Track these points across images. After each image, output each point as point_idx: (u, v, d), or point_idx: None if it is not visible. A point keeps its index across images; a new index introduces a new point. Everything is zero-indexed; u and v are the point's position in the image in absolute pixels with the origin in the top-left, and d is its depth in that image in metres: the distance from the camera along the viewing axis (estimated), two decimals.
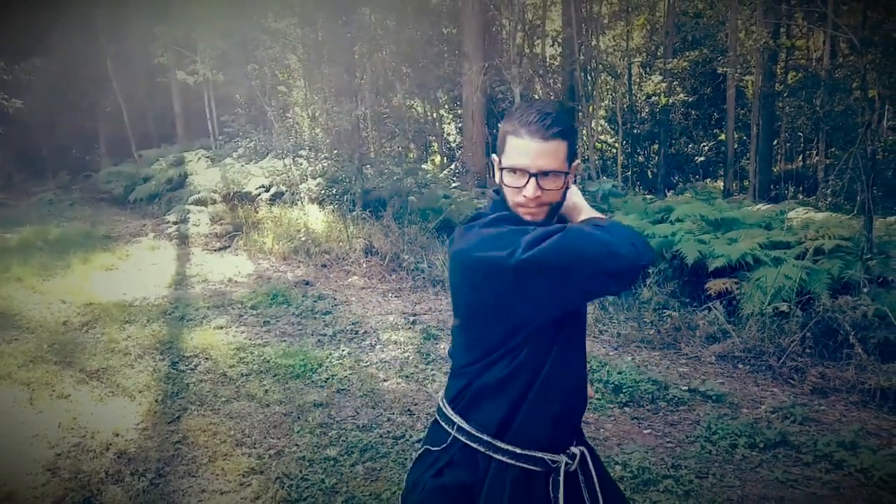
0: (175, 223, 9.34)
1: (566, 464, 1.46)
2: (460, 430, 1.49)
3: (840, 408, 3.75)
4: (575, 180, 1.51)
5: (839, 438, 3.25)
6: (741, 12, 12.47)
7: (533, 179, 1.34)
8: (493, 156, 1.47)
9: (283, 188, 9.66)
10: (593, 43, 12.32)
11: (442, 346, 4.73)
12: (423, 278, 6.74)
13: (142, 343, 4.70)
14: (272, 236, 8.21)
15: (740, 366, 4.36)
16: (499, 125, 1.46)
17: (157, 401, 3.65)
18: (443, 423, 1.55)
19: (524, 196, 1.36)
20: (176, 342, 4.70)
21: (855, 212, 6.41)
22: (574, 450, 1.50)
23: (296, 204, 9.17)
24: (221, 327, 5.08)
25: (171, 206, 10.22)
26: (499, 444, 1.45)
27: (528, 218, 1.40)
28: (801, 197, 12.56)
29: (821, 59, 13.57)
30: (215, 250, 8.31)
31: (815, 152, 14.83)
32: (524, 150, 1.35)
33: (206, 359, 4.35)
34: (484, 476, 1.46)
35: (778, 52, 13.43)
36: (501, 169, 1.41)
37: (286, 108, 13.79)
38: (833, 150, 12.66)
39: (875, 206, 5.60)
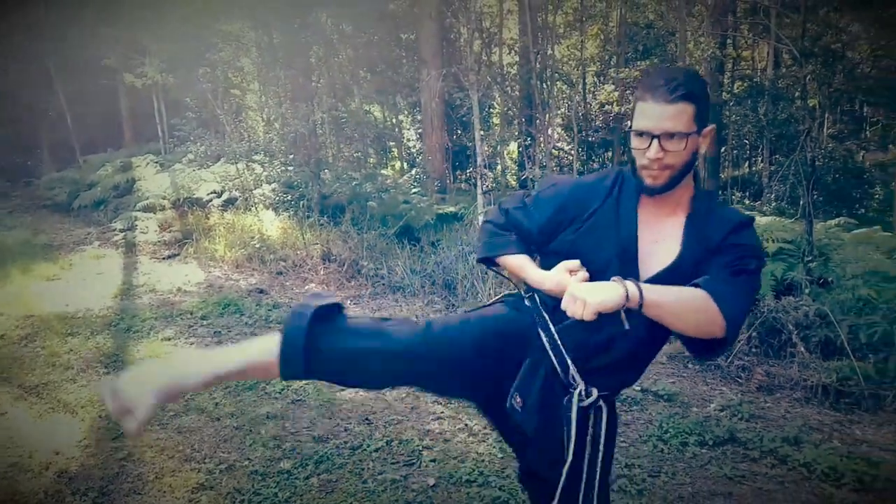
0: (122, 231, 9.06)
1: (580, 395, 1.55)
2: (532, 298, 1.65)
3: (784, 404, 3.87)
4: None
5: (784, 434, 3.35)
6: (690, 24, 12.82)
7: (655, 141, 1.38)
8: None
9: (237, 194, 9.49)
10: (549, 52, 12.49)
11: None
12: (383, 285, 6.70)
13: (85, 356, 4.52)
14: (224, 243, 8.04)
15: (690, 365, 4.46)
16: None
17: (100, 416, 3.52)
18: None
19: (647, 158, 1.41)
20: (121, 355, 4.54)
21: (797, 216, 6.64)
22: (594, 391, 1.57)
23: (249, 210, 9.01)
24: (169, 339, 4.93)
25: (118, 213, 9.90)
26: (550, 325, 1.58)
27: (648, 181, 1.45)
28: (747, 202, 12.97)
29: (765, 69, 14.07)
30: (164, 258, 8.09)
31: (760, 159, 15.35)
32: (648, 113, 1.39)
33: None
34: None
35: (724, 62, 13.86)
36: (628, 132, 1.47)
37: (239, 111, 13.55)
38: (777, 156, 13.13)
39: (816, 211, 5.84)
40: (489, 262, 1.74)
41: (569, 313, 1.34)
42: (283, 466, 2.99)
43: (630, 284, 1.33)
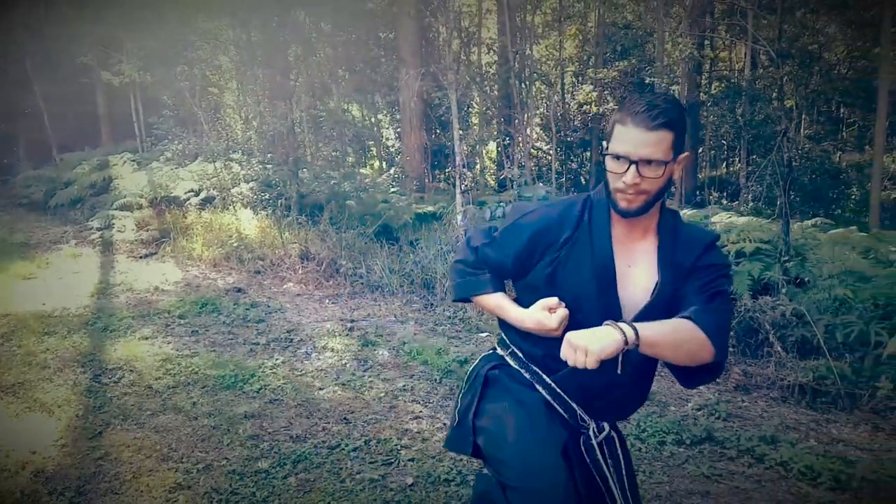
0: (98, 229, 8.92)
1: (593, 431, 1.60)
2: (513, 355, 1.67)
3: (762, 404, 3.92)
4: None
5: (761, 433, 3.39)
6: (668, 24, 12.95)
7: (633, 167, 1.38)
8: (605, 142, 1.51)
9: (214, 192, 9.40)
10: (527, 52, 12.54)
11: (380, 353, 4.69)
12: (362, 284, 6.67)
13: (61, 356, 4.45)
14: (202, 242, 7.96)
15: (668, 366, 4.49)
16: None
17: (77, 416, 3.47)
18: (498, 348, 1.73)
19: (623, 182, 1.41)
20: (98, 354, 4.47)
21: (774, 216, 6.72)
22: (605, 425, 1.63)
23: (227, 209, 8.93)
24: (147, 338, 4.86)
25: (95, 212, 9.74)
26: (545, 376, 1.60)
27: (623, 205, 1.46)
28: (724, 202, 13.13)
29: (742, 70, 14.25)
30: (141, 257, 7.98)
31: (737, 159, 15.55)
32: (628, 138, 1.39)
33: (131, 371, 4.16)
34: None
35: (702, 63, 14.01)
36: (604, 155, 1.46)
37: (217, 109, 13.42)
38: (754, 157, 13.30)
39: (792, 211, 5.92)
40: (465, 300, 1.73)
41: (570, 363, 1.33)
42: (261, 466, 2.97)
43: (625, 327, 1.34)
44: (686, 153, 1.48)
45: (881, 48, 10.73)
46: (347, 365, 4.43)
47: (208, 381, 4.02)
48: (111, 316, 5.39)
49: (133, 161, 11.25)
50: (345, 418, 3.55)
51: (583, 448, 1.61)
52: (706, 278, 1.50)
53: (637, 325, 1.35)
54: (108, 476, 2.85)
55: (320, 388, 4.00)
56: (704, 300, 1.47)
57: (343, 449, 3.17)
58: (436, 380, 4.14)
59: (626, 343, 1.32)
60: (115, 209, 9.24)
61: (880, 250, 5.60)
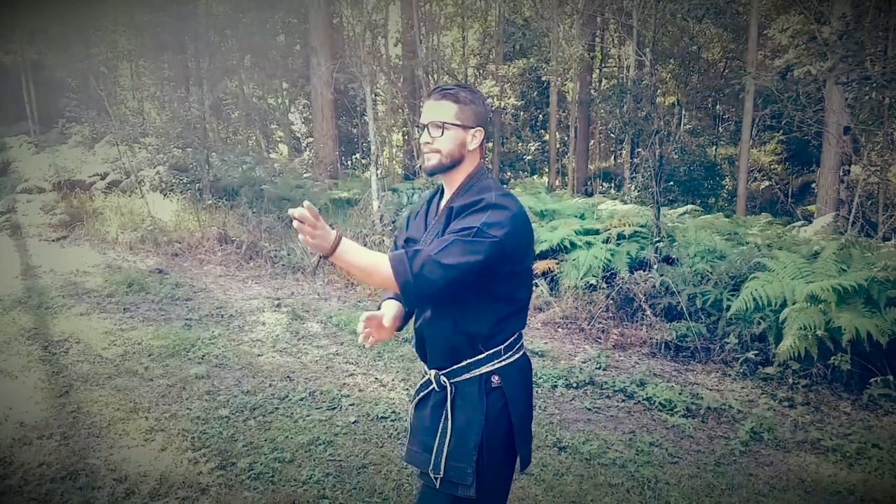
0: (3, 213, 8.70)
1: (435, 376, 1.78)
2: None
3: (634, 357, 4.76)
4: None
5: (632, 378, 4.20)
6: (563, 22, 13.89)
7: (425, 129, 1.75)
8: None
9: (122, 176, 9.36)
10: (433, 43, 13.06)
11: (309, 325, 5.16)
12: (283, 265, 7.04)
13: (4, 330, 4.62)
14: (116, 225, 8.01)
15: (560, 329, 5.29)
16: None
17: (40, 379, 3.75)
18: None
19: (421, 143, 1.79)
20: (41, 328, 4.67)
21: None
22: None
23: (135, 192, 8.95)
24: (83, 314, 5.08)
25: None
26: None
27: (423, 163, 1.85)
28: (612, 192, 14.33)
29: (629, 68, 15.50)
30: (53, 240, 7.93)
31: (623, 152, 16.88)
32: (423, 110, 1.79)
33: (77, 342, 4.42)
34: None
35: (593, 61, 15.08)
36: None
37: (117, 93, 13.06)
38: (639, 150, 14.54)
39: (670, 200, 6.85)
40: None
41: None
42: (222, 413, 3.42)
43: (339, 239, 1.48)
44: (480, 128, 1.76)
45: (748, 50, 12.03)
46: (281, 335, 4.88)
47: (153, 350, 4.36)
48: (41, 295, 5.51)
49: (30, 143, 10.87)
50: (288, 377, 4.03)
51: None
52: (455, 227, 1.64)
53: (346, 241, 1.50)
54: (86, 424, 3.21)
55: (259, 355, 4.43)
56: (437, 243, 1.60)
57: (291, 399, 3.67)
58: (364, 346, 4.67)
59: (329, 248, 1.46)
60: (18, 192, 9.02)
61: (739, 233, 6.63)
